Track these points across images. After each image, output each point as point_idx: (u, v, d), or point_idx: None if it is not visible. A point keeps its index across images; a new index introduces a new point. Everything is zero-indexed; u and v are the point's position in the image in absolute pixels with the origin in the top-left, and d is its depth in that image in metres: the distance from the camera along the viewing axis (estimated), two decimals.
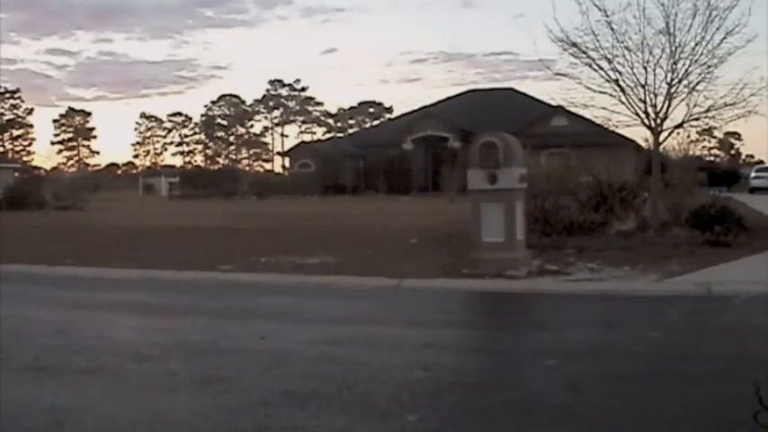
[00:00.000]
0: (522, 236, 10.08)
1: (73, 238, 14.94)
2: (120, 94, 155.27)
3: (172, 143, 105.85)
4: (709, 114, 14.43)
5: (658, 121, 14.34)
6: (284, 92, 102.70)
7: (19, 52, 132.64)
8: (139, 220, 20.69)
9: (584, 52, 14.37)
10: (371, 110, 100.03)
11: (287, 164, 52.14)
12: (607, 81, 14.39)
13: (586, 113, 16.00)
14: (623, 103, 14.40)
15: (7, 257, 11.80)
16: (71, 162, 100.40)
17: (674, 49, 14.11)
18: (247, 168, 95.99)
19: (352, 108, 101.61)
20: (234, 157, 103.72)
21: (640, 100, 14.27)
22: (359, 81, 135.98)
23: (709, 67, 14.08)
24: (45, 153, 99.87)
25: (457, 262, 10.25)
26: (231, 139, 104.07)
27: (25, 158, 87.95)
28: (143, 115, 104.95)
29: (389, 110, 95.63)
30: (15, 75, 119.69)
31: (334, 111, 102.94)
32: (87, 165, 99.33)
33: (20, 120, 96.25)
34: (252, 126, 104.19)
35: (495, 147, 9.82)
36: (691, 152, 24.66)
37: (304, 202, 34.12)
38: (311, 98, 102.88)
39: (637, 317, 7.24)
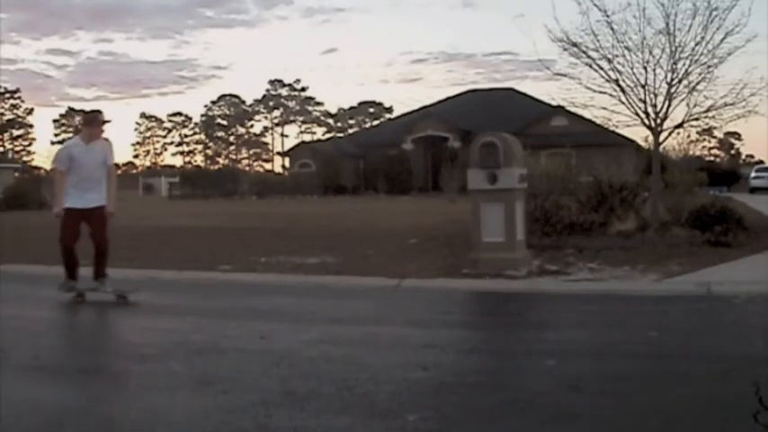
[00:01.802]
0: (522, 236, 10.08)
1: None
2: (120, 94, 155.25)
3: (172, 143, 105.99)
4: (710, 114, 14.43)
5: (658, 121, 14.34)
6: (284, 92, 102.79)
7: (19, 52, 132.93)
8: (139, 220, 20.68)
9: (584, 52, 14.38)
10: (371, 110, 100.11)
11: (287, 164, 52.16)
12: (607, 81, 14.40)
13: (586, 113, 16.02)
14: (623, 103, 14.41)
15: (7, 257, 11.79)
16: None
17: (674, 49, 14.12)
18: (247, 168, 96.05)
19: (352, 108, 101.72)
20: (234, 157, 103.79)
21: (640, 100, 14.28)
22: (359, 81, 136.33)
23: (709, 67, 14.09)
24: (45, 153, 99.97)
25: (457, 262, 10.25)
26: (231, 139, 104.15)
27: (25, 158, 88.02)
28: (143, 115, 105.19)
29: (389, 110, 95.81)
30: (15, 75, 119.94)
31: (334, 111, 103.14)
32: None
33: (20, 120, 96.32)
34: (252, 126, 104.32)
35: (495, 147, 9.82)
36: (691, 152, 24.75)
37: (304, 202, 34.12)
38: (311, 98, 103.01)
39: (637, 317, 7.24)
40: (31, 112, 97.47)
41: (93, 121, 8.25)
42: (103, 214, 8.22)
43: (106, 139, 8.45)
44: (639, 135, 28.26)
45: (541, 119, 41.03)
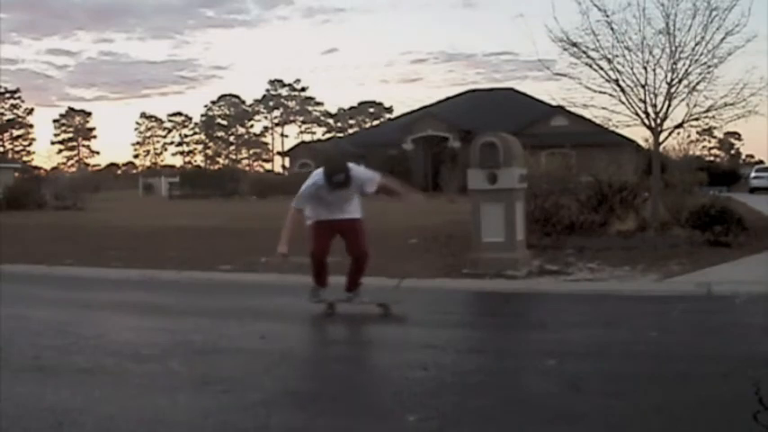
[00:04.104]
0: (522, 236, 10.08)
1: (73, 238, 14.93)
2: (120, 94, 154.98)
3: (172, 143, 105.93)
4: (709, 114, 14.43)
5: (658, 121, 14.34)
6: (284, 92, 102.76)
7: (19, 52, 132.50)
8: (139, 220, 20.69)
9: (584, 52, 14.37)
10: (371, 110, 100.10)
11: (287, 164, 52.17)
12: (607, 81, 14.40)
13: (586, 113, 16.01)
14: (623, 103, 14.40)
15: (7, 257, 11.80)
16: (71, 162, 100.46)
17: (674, 49, 14.12)
18: (247, 168, 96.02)
19: (352, 108, 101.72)
20: (234, 157, 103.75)
21: (640, 100, 14.28)
22: (359, 81, 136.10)
23: (709, 67, 14.09)
24: (45, 153, 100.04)
25: (457, 262, 10.25)
26: (231, 139, 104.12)
27: (25, 158, 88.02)
28: (143, 115, 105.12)
29: (389, 110, 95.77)
30: (15, 75, 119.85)
31: (334, 111, 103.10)
32: (87, 165, 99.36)
33: (20, 120, 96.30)
34: (252, 126, 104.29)
35: (495, 147, 9.82)
36: (691, 152, 24.76)
37: None
38: (311, 98, 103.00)
39: (637, 317, 7.24)
40: (31, 112, 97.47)
41: (330, 179, 7.16)
42: (358, 227, 7.51)
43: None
44: (639, 135, 28.34)
45: (541, 119, 40.98)
